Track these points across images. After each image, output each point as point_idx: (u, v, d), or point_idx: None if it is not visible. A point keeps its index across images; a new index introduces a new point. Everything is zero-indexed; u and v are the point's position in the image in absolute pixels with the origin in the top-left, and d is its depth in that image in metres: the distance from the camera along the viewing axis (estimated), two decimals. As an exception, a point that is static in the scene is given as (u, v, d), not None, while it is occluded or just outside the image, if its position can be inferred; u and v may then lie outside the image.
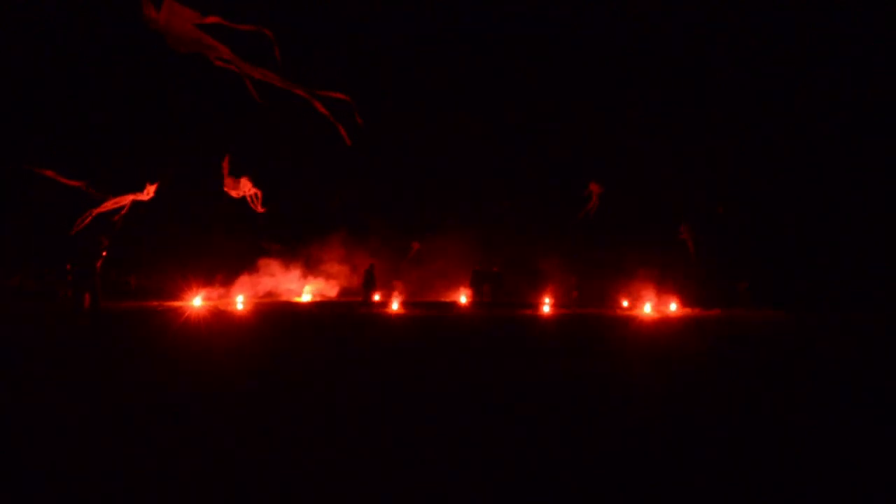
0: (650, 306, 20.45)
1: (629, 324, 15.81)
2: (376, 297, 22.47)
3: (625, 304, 22.55)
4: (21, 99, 21.21)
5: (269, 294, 23.46)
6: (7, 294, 20.53)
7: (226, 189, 20.62)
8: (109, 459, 4.62)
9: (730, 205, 25.09)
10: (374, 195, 25.80)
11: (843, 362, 10.08)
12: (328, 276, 24.54)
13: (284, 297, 23.34)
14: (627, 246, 24.91)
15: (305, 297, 23.49)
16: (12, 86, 21.02)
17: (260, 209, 21.58)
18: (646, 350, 11.32)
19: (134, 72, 20.61)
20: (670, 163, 24.64)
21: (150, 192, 19.50)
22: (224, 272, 22.79)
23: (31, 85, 21.36)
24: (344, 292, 24.61)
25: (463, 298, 22.66)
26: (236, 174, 21.54)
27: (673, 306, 21.01)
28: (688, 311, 20.28)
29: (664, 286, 22.70)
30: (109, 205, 19.56)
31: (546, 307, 19.94)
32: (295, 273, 24.03)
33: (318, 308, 19.36)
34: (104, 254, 16.41)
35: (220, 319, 15.16)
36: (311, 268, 24.37)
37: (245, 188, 21.18)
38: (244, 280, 22.99)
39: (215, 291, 21.90)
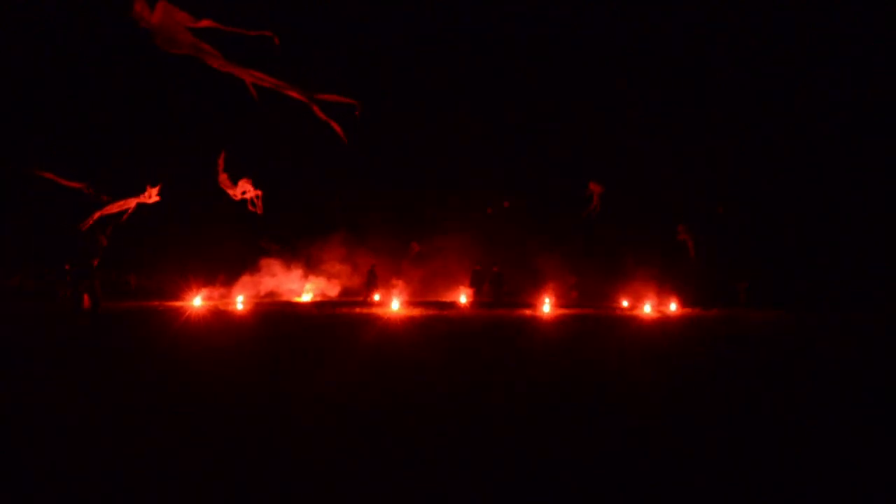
0: (650, 306, 20.46)
1: (629, 323, 15.81)
2: (376, 297, 22.47)
3: (625, 303, 22.54)
4: (21, 99, 21.21)
5: (271, 294, 23.46)
6: (7, 294, 20.53)
7: (222, 186, 20.62)
8: (109, 459, 4.62)
9: (730, 205, 25.10)
10: (374, 195, 25.80)
11: (843, 362, 10.08)
12: (329, 276, 24.55)
13: (285, 297, 23.35)
14: (627, 246, 24.91)
15: (306, 296, 23.50)
16: (12, 86, 21.01)
17: (260, 211, 21.60)
18: (645, 350, 11.32)
19: (134, 72, 20.61)
20: (670, 163, 24.64)
21: (152, 194, 19.56)
22: (225, 272, 22.79)
23: (31, 85, 21.35)
24: (345, 292, 24.62)
25: (463, 298, 22.66)
26: (236, 174, 21.56)
27: (673, 306, 21.01)
28: (688, 311, 20.28)
29: (664, 286, 22.70)
30: (114, 207, 19.64)
31: (546, 307, 19.94)
32: (296, 273, 24.03)
33: (319, 308, 19.36)
34: (101, 254, 16.44)
35: (219, 319, 15.16)
36: (312, 268, 24.38)
37: (245, 189, 21.20)
38: (245, 280, 23.00)
39: (216, 291, 21.90)
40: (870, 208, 24.00)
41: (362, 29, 24.50)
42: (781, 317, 18.44)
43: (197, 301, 19.31)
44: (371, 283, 22.79)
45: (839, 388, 7.79)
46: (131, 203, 19.60)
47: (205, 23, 14.21)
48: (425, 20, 24.93)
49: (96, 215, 19.41)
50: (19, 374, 8.05)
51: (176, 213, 21.54)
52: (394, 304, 19.32)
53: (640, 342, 12.50)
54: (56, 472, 4.35)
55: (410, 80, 25.42)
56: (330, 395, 6.95)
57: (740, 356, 10.62)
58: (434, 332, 13.39)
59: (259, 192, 21.45)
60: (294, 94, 16.08)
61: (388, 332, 13.21)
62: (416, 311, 17.95)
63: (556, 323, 15.88)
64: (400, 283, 23.95)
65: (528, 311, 18.77)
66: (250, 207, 21.55)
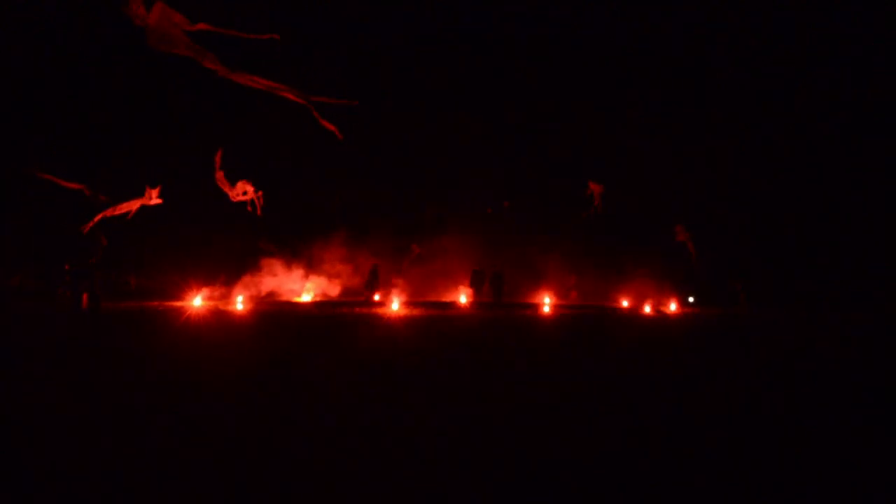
0: (650, 306, 20.46)
1: (629, 323, 15.81)
2: (376, 297, 22.48)
3: (625, 303, 22.55)
4: (21, 99, 21.19)
5: (272, 294, 23.46)
6: (7, 294, 20.51)
7: (219, 184, 20.61)
8: (109, 459, 4.62)
9: (730, 205, 25.09)
10: (374, 195, 25.79)
11: (843, 362, 10.08)
12: (330, 276, 24.55)
13: (285, 297, 23.34)
14: (627, 245, 24.91)
15: (306, 296, 23.50)
16: (12, 86, 21.00)
17: (259, 212, 21.59)
18: (645, 349, 11.32)
19: (134, 72, 20.60)
20: (670, 163, 24.64)
21: (152, 195, 19.59)
22: (225, 272, 22.79)
23: (31, 85, 21.34)
24: (346, 292, 24.62)
25: (463, 298, 22.67)
26: (236, 174, 21.57)
27: (673, 306, 21.02)
28: (688, 310, 20.28)
29: (664, 286, 22.71)
30: (117, 210, 19.68)
31: (546, 307, 19.94)
32: (297, 273, 24.02)
33: (319, 308, 19.36)
34: (101, 253, 16.44)
35: (219, 319, 15.16)
36: (313, 267, 24.38)
37: (245, 190, 21.20)
38: (247, 280, 23.00)
39: (217, 291, 21.90)
40: (870, 208, 24.00)
41: (362, 29, 24.48)
42: (781, 317, 18.44)
43: (197, 301, 19.31)
44: (373, 282, 22.77)
45: (839, 388, 7.79)
46: (134, 206, 19.66)
47: (201, 26, 14.29)
48: (425, 20, 24.92)
49: (98, 217, 19.45)
50: (19, 374, 8.05)
51: (176, 213, 21.52)
52: (394, 305, 19.32)
53: (639, 342, 12.49)
54: (56, 472, 4.35)
55: (410, 80, 25.41)
56: (329, 395, 6.95)
57: (740, 356, 10.62)
58: (434, 332, 13.39)
59: (260, 193, 21.45)
60: (290, 95, 16.15)
61: (388, 332, 13.21)
62: (416, 311, 17.95)
63: (556, 323, 15.88)
64: (400, 282, 23.95)
65: (528, 311, 18.77)
66: (248, 208, 21.55)
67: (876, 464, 4.82)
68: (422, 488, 4.14)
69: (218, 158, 20.26)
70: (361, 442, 5.10)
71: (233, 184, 21.18)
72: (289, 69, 20.00)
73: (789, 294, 22.48)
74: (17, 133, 21.14)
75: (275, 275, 23.67)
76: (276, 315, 16.71)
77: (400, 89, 25.41)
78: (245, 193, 21.29)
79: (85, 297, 17.16)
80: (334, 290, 24.47)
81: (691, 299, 21.88)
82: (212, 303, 19.80)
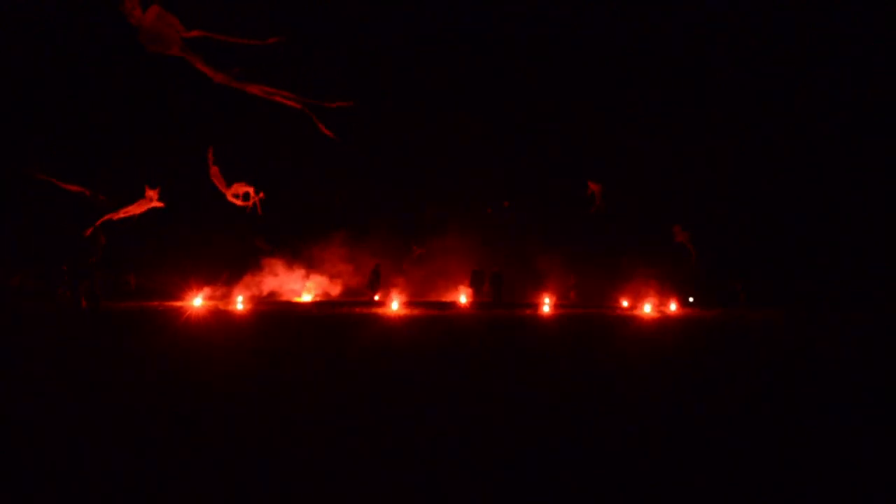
0: (650, 306, 20.46)
1: (629, 323, 15.81)
2: (377, 297, 22.49)
3: (625, 303, 22.55)
4: (21, 99, 21.18)
5: (272, 294, 23.47)
6: (7, 294, 20.51)
7: (213, 180, 20.60)
8: (109, 459, 4.62)
9: (730, 205, 25.08)
10: (374, 195, 25.79)
11: (843, 362, 10.08)
12: (331, 276, 24.55)
13: (286, 297, 23.35)
14: (627, 245, 24.90)
15: (306, 296, 23.50)
16: (12, 86, 20.99)
17: (259, 211, 21.58)
18: (645, 350, 11.32)
19: (134, 72, 20.59)
20: (670, 163, 24.63)
21: (153, 197, 19.60)
22: (227, 272, 22.79)
23: (31, 85, 21.33)
24: (347, 291, 24.63)
25: (463, 298, 22.67)
26: (236, 175, 21.55)
27: (673, 306, 21.02)
28: (688, 310, 20.28)
29: (664, 286, 22.71)
30: (121, 213, 19.70)
31: (546, 307, 19.94)
32: (298, 273, 24.03)
33: (318, 308, 19.36)
34: (101, 253, 16.44)
35: (219, 319, 15.16)
36: (313, 267, 24.38)
37: (244, 191, 21.19)
38: (247, 280, 23.01)
39: (217, 291, 21.90)
40: (870, 208, 23.99)
41: (362, 29, 24.47)
42: (781, 316, 18.44)
43: (197, 301, 19.31)
44: (374, 282, 22.77)
45: (839, 388, 7.79)
46: (137, 210, 19.70)
47: (195, 33, 14.37)
48: (425, 20, 24.91)
49: (103, 220, 19.48)
50: (19, 374, 8.05)
51: (176, 213, 21.52)
52: (394, 304, 19.32)
53: (639, 342, 12.49)
54: (56, 472, 4.35)
55: (410, 80, 25.39)
56: (329, 395, 6.95)
57: (740, 356, 10.62)
58: (434, 333, 13.39)
59: (262, 195, 21.44)
60: (285, 100, 16.24)
61: (388, 332, 13.21)
62: (416, 311, 17.95)
63: (556, 323, 15.88)
64: (400, 282, 23.95)
65: (528, 311, 18.77)
66: (248, 210, 21.54)
67: (876, 464, 4.82)
68: (422, 488, 4.14)
69: (210, 155, 20.25)
70: (361, 442, 5.10)
71: (228, 180, 21.16)
72: (288, 70, 20.00)
73: (789, 294, 22.46)
74: (17, 133, 21.13)
75: (275, 274, 23.67)
76: (275, 315, 16.71)
77: (400, 89, 25.40)
78: (240, 196, 21.25)
79: (82, 296, 17.19)
80: (335, 289, 24.48)
81: (691, 299, 21.90)
82: (212, 303, 19.80)
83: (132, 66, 19.94)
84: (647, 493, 4.14)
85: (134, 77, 20.99)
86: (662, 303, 21.64)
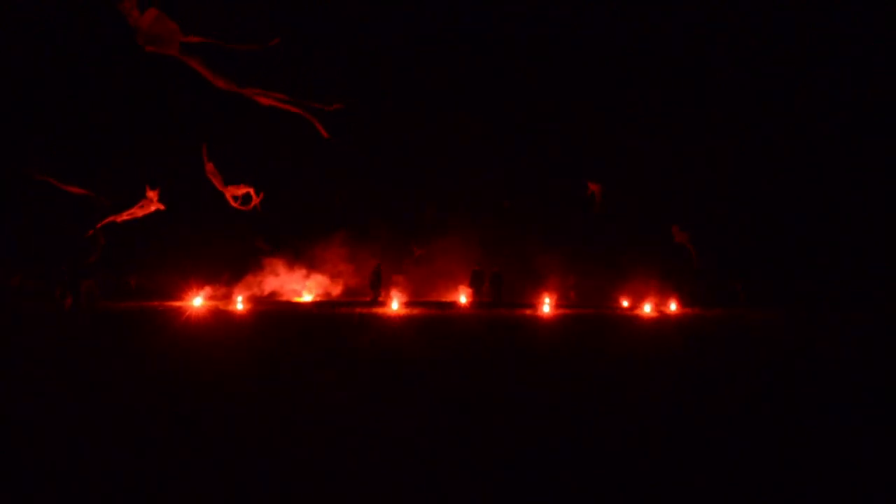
0: (650, 306, 20.46)
1: (628, 323, 15.81)
2: (375, 297, 22.48)
3: (625, 303, 22.55)
4: (21, 99, 21.19)
5: (273, 294, 23.48)
6: (7, 294, 20.51)
7: (210, 177, 20.58)
8: (109, 459, 4.62)
9: (730, 205, 25.07)
10: (374, 195, 25.79)
11: (843, 362, 10.08)
12: (332, 276, 24.56)
13: (286, 297, 23.37)
14: (627, 245, 24.90)
15: (307, 296, 23.51)
16: (12, 86, 20.99)
17: (259, 209, 21.57)
18: (645, 350, 11.32)
19: (134, 72, 20.59)
20: (670, 163, 24.62)
21: (153, 199, 19.60)
22: (228, 272, 22.80)
23: (31, 85, 21.33)
24: (348, 291, 24.64)
25: (463, 298, 22.67)
26: (236, 175, 21.55)
27: (673, 306, 21.02)
28: (688, 310, 20.28)
29: (664, 286, 22.70)
30: (124, 216, 19.70)
31: (546, 307, 19.93)
32: (299, 273, 24.04)
33: (318, 308, 19.37)
34: (100, 252, 16.44)
35: (219, 319, 15.16)
36: (314, 267, 24.39)
37: (244, 192, 21.20)
38: (248, 280, 23.03)
39: (218, 291, 21.91)
40: (870, 208, 23.98)
41: (362, 29, 24.47)
42: (781, 316, 18.44)
43: (197, 301, 19.32)
44: (375, 282, 22.76)
45: (839, 388, 7.79)
46: (140, 212, 19.71)
47: (193, 38, 14.40)
48: (425, 20, 24.91)
49: (106, 221, 19.49)
50: (19, 374, 8.05)
51: (176, 213, 21.52)
52: (394, 304, 19.32)
53: (639, 342, 12.49)
54: (56, 472, 4.35)
55: (410, 80, 25.39)
56: (329, 395, 6.95)
57: (740, 356, 10.62)
58: (434, 333, 13.39)
59: (261, 195, 21.44)
60: (276, 103, 16.28)
61: (388, 332, 13.21)
62: (415, 311, 17.96)
63: (556, 323, 15.88)
64: (400, 281, 23.95)
65: (527, 311, 18.77)
66: (241, 207, 21.52)
67: (876, 464, 4.82)
68: (422, 488, 4.14)
69: (205, 152, 20.26)
70: (361, 442, 5.10)
71: (228, 180, 21.15)
72: (288, 70, 20.01)
73: (789, 294, 22.46)
74: (17, 133, 21.13)
75: (276, 274, 23.69)
76: (275, 315, 16.71)
77: (400, 89, 25.40)
78: (239, 198, 21.25)
79: (70, 297, 17.21)
80: (336, 289, 24.49)
81: (673, 306, 21.72)
82: (212, 303, 19.81)
83: (132, 66, 19.95)
84: (647, 493, 4.14)
85: (134, 77, 20.99)
86: (662, 303, 21.63)
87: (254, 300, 21.30)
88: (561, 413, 6.23)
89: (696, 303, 22.25)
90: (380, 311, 17.97)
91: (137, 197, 20.55)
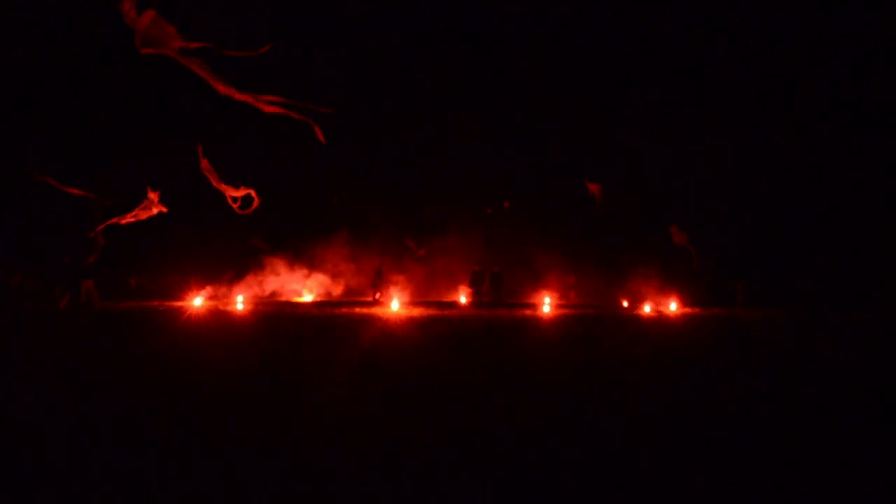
0: (650, 306, 20.46)
1: (629, 323, 15.81)
2: (378, 297, 22.50)
3: (625, 303, 22.55)
4: (21, 99, 21.19)
5: (274, 294, 23.49)
6: (7, 294, 20.52)
7: (206, 174, 20.57)
8: (109, 459, 4.62)
9: (730, 205, 25.07)
10: (374, 195, 25.80)
11: (843, 362, 10.08)
12: (333, 276, 24.58)
13: (287, 297, 23.38)
14: (627, 245, 24.91)
15: (308, 296, 23.53)
16: (12, 86, 21.00)
17: (256, 202, 21.56)
18: (645, 350, 11.32)
19: (134, 72, 20.59)
20: (670, 163, 24.63)
21: (155, 200, 19.61)
22: (226, 272, 22.81)
23: (31, 85, 21.33)
24: (349, 291, 24.65)
25: (463, 298, 22.68)
26: (236, 175, 21.54)
27: (673, 306, 21.02)
28: (688, 310, 20.28)
29: (664, 285, 22.71)
30: (128, 218, 19.71)
31: (546, 307, 19.93)
32: (299, 273, 24.05)
33: (319, 308, 19.37)
34: (100, 252, 16.44)
35: (219, 319, 15.16)
36: (315, 267, 24.40)
37: (245, 194, 21.20)
38: (249, 280, 23.03)
39: (219, 291, 21.92)
40: (870, 208, 23.99)
41: (362, 29, 24.48)
42: (781, 316, 18.44)
43: (197, 301, 19.32)
44: (378, 282, 22.78)
45: (839, 388, 7.79)
46: (143, 215, 19.72)
47: (193, 45, 14.44)
48: (425, 20, 24.92)
49: (106, 224, 19.49)
50: (19, 374, 8.05)
51: (176, 213, 21.52)
52: (394, 304, 19.32)
53: (639, 342, 12.49)
54: (56, 472, 4.35)
55: (410, 80, 25.40)
56: (329, 395, 6.95)
57: (740, 356, 10.62)
58: (433, 333, 13.39)
59: (257, 202, 21.44)
60: (273, 108, 16.32)
61: (388, 332, 13.21)
62: (415, 311, 17.96)
63: (556, 323, 15.88)
64: (401, 281, 23.96)
65: (527, 311, 18.77)
66: (242, 212, 21.53)
67: (876, 464, 4.82)
68: (422, 488, 4.14)
69: (199, 149, 20.26)
70: (361, 442, 5.10)
71: (228, 181, 21.15)
72: (288, 71, 20.00)
73: (789, 294, 22.46)
74: (17, 133, 21.13)
75: (277, 274, 23.69)
76: (276, 315, 16.71)
77: (400, 89, 25.41)
78: (238, 199, 21.25)
79: (67, 295, 17.21)
80: (337, 289, 24.50)
81: (673, 306, 21.70)
82: (212, 303, 19.81)
83: (132, 67, 19.95)
84: (647, 493, 4.14)
85: (134, 77, 20.99)
86: (662, 303, 21.63)
87: (254, 300, 21.31)
88: (561, 413, 6.23)
89: (696, 303, 22.25)
90: (380, 311, 17.98)
91: (137, 197, 20.55)
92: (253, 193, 20.90)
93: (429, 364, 9.23)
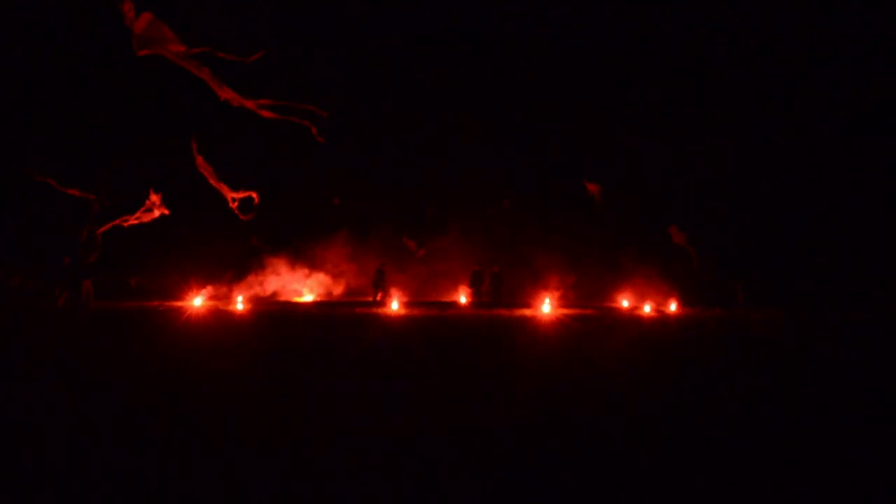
0: (650, 306, 20.45)
1: (628, 323, 15.81)
2: (378, 297, 22.49)
3: (624, 303, 22.55)
4: (21, 99, 21.18)
5: (274, 294, 23.49)
6: (7, 294, 20.52)
7: (201, 170, 20.56)
8: (109, 459, 4.62)
9: (730, 205, 25.05)
10: (374, 195, 25.79)
11: (843, 362, 10.08)
12: (334, 276, 24.56)
13: (287, 297, 23.37)
14: (627, 245, 24.90)
15: (307, 296, 23.51)
16: (12, 86, 20.99)
17: (256, 201, 21.56)
18: (645, 350, 11.32)
19: (134, 72, 20.59)
20: (670, 163, 24.61)
21: (156, 202, 19.64)
22: (229, 272, 22.80)
23: (31, 85, 21.32)
24: (350, 291, 24.64)
25: (463, 298, 22.67)
26: (236, 174, 21.56)
27: (673, 306, 21.02)
28: (688, 310, 20.28)
29: (664, 286, 22.70)
30: (131, 219, 19.74)
31: (546, 307, 19.94)
32: (300, 273, 24.04)
33: (319, 308, 19.37)
34: (99, 251, 16.45)
35: (219, 319, 15.16)
36: (315, 267, 24.39)
37: (246, 196, 21.22)
38: (250, 280, 23.02)
39: (220, 291, 21.91)
40: (870, 208, 23.98)
41: (362, 29, 24.47)
42: (781, 316, 18.44)
43: (197, 301, 19.32)
44: (379, 282, 22.77)
45: (839, 388, 7.78)
46: (145, 217, 19.77)
47: (194, 50, 14.50)
48: (425, 20, 24.91)
49: (109, 225, 19.52)
50: (19, 374, 8.05)
51: (176, 213, 21.52)
52: (394, 304, 19.32)
53: (639, 342, 12.49)
54: (56, 472, 4.35)
55: (410, 80, 25.39)
56: (329, 395, 6.95)
57: (740, 356, 10.62)
58: (434, 333, 13.38)
59: (256, 203, 21.44)
60: (272, 113, 16.41)
61: (388, 332, 13.21)
62: (415, 311, 17.96)
63: (556, 323, 15.88)
64: (401, 281, 23.94)
65: (527, 311, 18.77)
66: (243, 217, 21.53)
67: (876, 464, 4.82)
68: (422, 488, 4.14)
69: (193, 146, 20.27)
70: (361, 442, 5.10)
71: (228, 181, 21.15)
72: (287, 71, 20.01)
73: (789, 294, 22.46)
74: (17, 133, 21.13)
75: (277, 274, 23.69)
76: (276, 315, 16.71)
77: (400, 89, 25.40)
78: (237, 200, 21.25)
79: (65, 295, 17.21)
80: (338, 289, 24.49)
81: (673, 306, 21.72)
82: (212, 303, 19.81)
83: (132, 67, 19.95)
84: (647, 493, 4.14)
85: (134, 77, 20.99)
86: (662, 303, 21.63)
87: (254, 300, 21.30)
88: (561, 413, 6.23)
89: (696, 303, 22.24)
90: (380, 311, 17.97)
91: (137, 198, 20.56)
92: (254, 195, 20.92)
93: (429, 364, 9.23)
